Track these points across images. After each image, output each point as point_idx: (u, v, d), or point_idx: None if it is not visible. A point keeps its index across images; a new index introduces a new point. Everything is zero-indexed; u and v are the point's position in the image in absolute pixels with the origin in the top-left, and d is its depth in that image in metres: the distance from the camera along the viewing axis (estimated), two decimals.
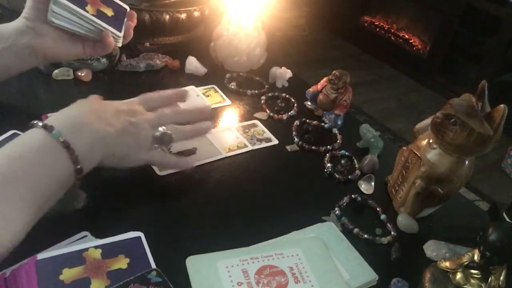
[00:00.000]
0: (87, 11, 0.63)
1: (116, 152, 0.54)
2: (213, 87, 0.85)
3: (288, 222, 0.57)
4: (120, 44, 0.70)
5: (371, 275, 0.52)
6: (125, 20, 0.69)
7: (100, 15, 0.65)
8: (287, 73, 0.91)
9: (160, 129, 0.56)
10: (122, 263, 0.46)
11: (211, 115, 0.63)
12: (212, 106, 0.80)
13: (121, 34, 0.68)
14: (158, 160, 0.59)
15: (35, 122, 0.48)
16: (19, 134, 0.62)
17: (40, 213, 0.46)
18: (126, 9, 0.70)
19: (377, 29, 3.41)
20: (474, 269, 0.48)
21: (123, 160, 0.55)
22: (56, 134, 0.47)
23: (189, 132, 0.61)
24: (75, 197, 0.52)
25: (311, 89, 0.83)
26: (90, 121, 0.51)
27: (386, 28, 3.38)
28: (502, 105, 0.53)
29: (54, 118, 0.50)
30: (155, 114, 0.58)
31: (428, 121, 0.61)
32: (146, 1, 0.89)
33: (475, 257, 0.48)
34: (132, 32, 0.70)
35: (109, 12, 0.66)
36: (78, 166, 0.48)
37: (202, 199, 0.60)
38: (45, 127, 0.47)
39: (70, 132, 0.48)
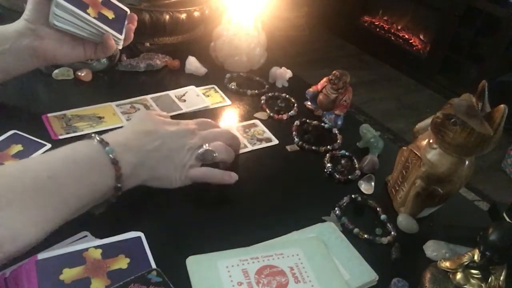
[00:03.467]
0: (89, 14, 0.63)
1: (161, 176, 0.55)
2: (213, 87, 0.85)
3: (288, 222, 0.57)
4: (120, 47, 0.70)
5: (371, 275, 0.52)
6: (126, 22, 0.69)
7: (101, 17, 0.65)
8: (287, 73, 0.91)
9: (204, 146, 0.58)
10: (122, 263, 0.46)
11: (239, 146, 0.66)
12: (212, 106, 0.80)
13: (122, 37, 0.68)
14: (204, 176, 0.58)
15: (92, 134, 0.50)
16: (19, 134, 0.63)
17: (64, 221, 0.46)
18: (126, 12, 0.70)
19: (377, 29, 3.41)
20: (474, 269, 0.48)
21: (170, 183, 0.57)
22: (108, 150, 0.49)
23: (230, 151, 0.61)
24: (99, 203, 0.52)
25: (311, 89, 0.83)
26: (139, 143, 0.53)
27: (386, 28, 3.38)
28: (502, 105, 0.53)
29: (110, 135, 0.52)
30: (203, 133, 0.59)
31: (428, 121, 0.61)
32: (146, 1, 0.89)
33: (475, 257, 0.48)
34: (132, 35, 0.71)
35: (110, 15, 0.66)
36: (119, 185, 0.50)
37: (202, 199, 0.60)
38: (101, 141, 0.49)
39: (120, 151, 0.50)
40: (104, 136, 0.51)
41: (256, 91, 0.86)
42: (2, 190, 0.42)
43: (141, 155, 0.53)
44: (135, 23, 0.71)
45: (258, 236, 0.54)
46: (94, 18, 0.64)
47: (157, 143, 0.54)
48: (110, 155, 0.49)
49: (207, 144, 0.58)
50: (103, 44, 0.66)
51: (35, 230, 0.43)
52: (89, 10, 0.63)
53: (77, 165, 0.47)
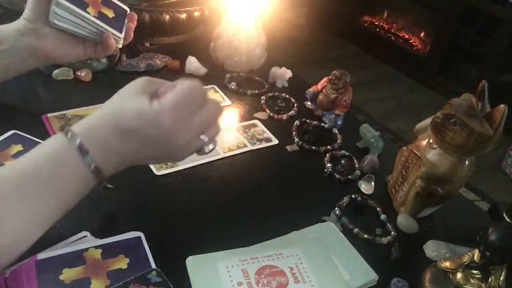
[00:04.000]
0: (89, 13, 0.63)
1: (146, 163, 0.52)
2: (213, 87, 0.85)
3: (288, 222, 0.57)
4: (120, 46, 0.70)
5: (371, 275, 0.52)
6: (126, 21, 0.69)
7: (101, 16, 0.65)
8: (287, 73, 0.91)
9: (206, 148, 0.49)
10: (122, 263, 0.46)
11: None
12: None
13: (122, 36, 0.68)
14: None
15: (69, 132, 0.44)
16: (19, 134, 0.63)
17: (51, 224, 0.45)
18: (126, 11, 0.70)
19: (377, 29, 3.41)
20: (474, 269, 0.48)
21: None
22: (89, 161, 0.44)
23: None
24: None
25: (311, 89, 0.83)
26: (118, 145, 0.45)
27: (386, 28, 3.38)
28: (502, 105, 0.53)
29: (87, 135, 0.45)
30: (197, 124, 0.48)
31: (428, 121, 0.61)
32: (146, 1, 0.89)
33: (475, 257, 0.48)
34: (132, 34, 0.71)
35: (110, 14, 0.66)
36: (102, 185, 0.47)
37: (202, 199, 0.60)
38: (80, 148, 0.43)
39: (102, 157, 0.45)
40: (83, 134, 0.44)
41: (256, 91, 0.86)
42: None
43: (122, 156, 0.46)
44: (135, 22, 0.71)
45: (258, 236, 0.54)
46: (94, 17, 0.64)
47: (136, 145, 0.46)
48: (92, 166, 0.44)
49: (205, 137, 0.49)
50: (103, 43, 0.66)
51: (23, 241, 0.42)
52: (89, 9, 0.63)
53: (55, 179, 0.43)
